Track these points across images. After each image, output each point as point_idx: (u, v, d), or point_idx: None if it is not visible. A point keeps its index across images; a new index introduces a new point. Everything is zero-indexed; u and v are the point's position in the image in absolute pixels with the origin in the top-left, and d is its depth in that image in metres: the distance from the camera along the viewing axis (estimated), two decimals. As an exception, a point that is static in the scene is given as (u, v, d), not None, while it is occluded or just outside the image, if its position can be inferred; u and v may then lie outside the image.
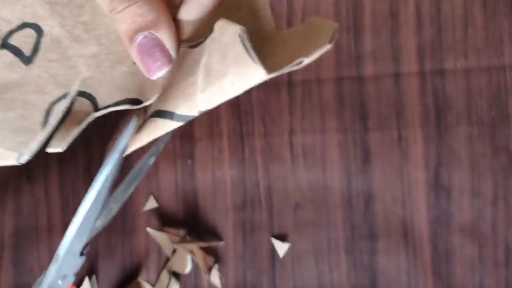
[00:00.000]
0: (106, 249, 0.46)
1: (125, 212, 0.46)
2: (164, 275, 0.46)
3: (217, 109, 0.46)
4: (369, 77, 0.46)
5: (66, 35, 0.22)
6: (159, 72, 0.22)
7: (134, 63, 0.22)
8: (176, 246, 0.45)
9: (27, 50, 0.22)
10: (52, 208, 0.46)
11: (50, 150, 0.21)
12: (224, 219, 0.46)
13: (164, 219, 0.46)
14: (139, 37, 0.21)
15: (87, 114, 0.22)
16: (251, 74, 0.19)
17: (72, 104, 0.22)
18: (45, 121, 0.21)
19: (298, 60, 0.19)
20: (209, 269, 0.46)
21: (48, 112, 0.21)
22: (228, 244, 0.46)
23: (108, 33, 0.23)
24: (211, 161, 0.46)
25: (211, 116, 0.46)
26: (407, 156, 0.45)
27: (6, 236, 0.46)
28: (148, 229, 0.46)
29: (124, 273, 0.46)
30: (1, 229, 0.46)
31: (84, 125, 0.21)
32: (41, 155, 0.47)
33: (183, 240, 0.45)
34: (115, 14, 0.21)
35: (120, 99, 0.22)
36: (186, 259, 0.46)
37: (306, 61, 0.19)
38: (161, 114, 0.22)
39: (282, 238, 0.46)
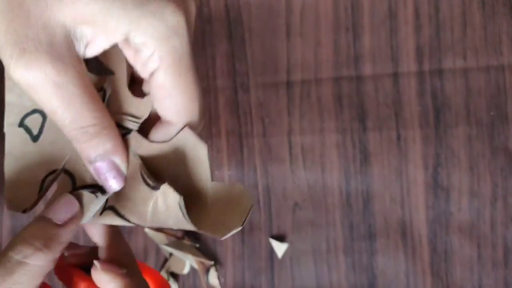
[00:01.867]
0: (104, 249, 0.45)
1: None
2: (163, 275, 0.45)
3: (215, 109, 0.46)
4: (368, 77, 0.46)
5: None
6: (114, 190, 0.27)
7: None
8: (170, 250, 0.45)
9: (35, 130, 0.28)
10: (50, 208, 0.46)
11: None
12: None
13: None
14: (98, 161, 0.27)
15: (67, 189, 0.27)
16: (186, 227, 0.26)
17: (57, 179, 0.28)
18: (40, 188, 0.28)
19: (216, 235, 0.27)
20: (207, 270, 0.46)
21: (43, 181, 0.28)
22: (227, 244, 0.46)
23: None
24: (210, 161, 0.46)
25: (210, 116, 0.46)
26: (406, 156, 0.45)
27: (3, 236, 0.46)
28: (146, 230, 0.46)
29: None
30: (-1, 230, 0.46)
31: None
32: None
33: (178, 244, 0.45)
34: (78, 144, 0.27)
35: (92, 183, 0.28)
36: (185, 260, 0.46)
37: (222, 237, 0.27)
38: (118, 213, 0.28)
39: (280, 238, 0.45)
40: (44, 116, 0.29)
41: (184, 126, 0.28)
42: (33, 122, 0.29)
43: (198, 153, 0.28)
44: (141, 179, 0.28)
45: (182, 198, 0.26)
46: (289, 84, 0.46)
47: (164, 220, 0.27)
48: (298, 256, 0.45)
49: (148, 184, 0.28)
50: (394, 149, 0.45)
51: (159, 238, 0.46)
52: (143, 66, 0.27)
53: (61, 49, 0.26)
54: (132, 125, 0.28)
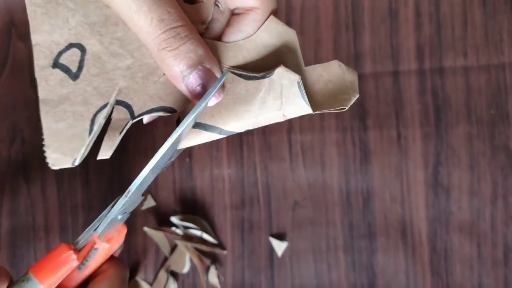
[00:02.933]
0: (103, 248, 0.45)
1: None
2: (162, 274, 0.45)
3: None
4: (368, 75, 0.45)
5: (104, 51, 0.25)
6: (215, 101, 0.24)
7: (164, 74, 0.25)
8: (177, 241, 0.45)
9: (74, 67, 0.25)
10: (49, 207, 0.46)
11: (99, 157, 0.24)
12: (223, 218, 0.46)
13: (162, 218, 0.46)
14: (194, 72, 0.23)
15: (125, 120, 0.25)
16: (300, 110, 0.25)
17: (112, 112, 0.25)
18: (91, 129, 0.24)
19: (327, 111, 0.26)
20: (207, 269, 0.46)
21: (92, 121, 0.24)
22: (226, 243, 0.46)
23: (140, 47, 0.25)
24: (209, 159, 0.46)
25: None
26: (406, 155, 0.45)
27: (3, 235, 0.46)
28: (146, 229, 0.46)
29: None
30: (-2, 228, 0.46)
31: (124, 132, 0.24)
32: (37, 154, 0.46)
33: (185, 237, 0.45)
34: (168, 51, 0.23)
35: (153, 106, 0.25)
36: (185, 259, 0.45)
37: (344, 108, 0.26)
38: (207, 127, 0.25)
39: (280, 236, 0.45)
40: (83, 49, 0.25)
41: (270, 15, 0.26)
42: (70, 58, 0.25)
43: (289, 40, 0.26)
44: (238, 80, 0.25)
45: (300, 77, 0.25)
46: (289, 82, 0.46)
47: (278, 107, 0.25)
48: (298, 255, 0.45)
49: (253, 77, 0.25)
50: (395, 148, 0.45)
51: (159, 237, 0.46)
52: None
53: None
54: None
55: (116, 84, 0.25)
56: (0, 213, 0.46)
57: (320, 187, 0.45)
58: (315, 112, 0.26)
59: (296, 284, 0.45)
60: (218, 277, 0.45)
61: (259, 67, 0.26)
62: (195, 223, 0.45)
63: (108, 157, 0.24)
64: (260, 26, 0.26)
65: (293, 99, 0.25)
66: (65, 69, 0.25)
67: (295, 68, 0.26)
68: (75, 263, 0.26)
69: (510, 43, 0.45)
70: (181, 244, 0.45)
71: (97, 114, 0.25)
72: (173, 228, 0.45)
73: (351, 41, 0.46)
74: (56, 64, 0.25)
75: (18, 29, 0.46)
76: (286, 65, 0.26)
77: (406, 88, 0.45)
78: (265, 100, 0.25)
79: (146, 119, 0.26)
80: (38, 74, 0.25)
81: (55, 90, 0.25)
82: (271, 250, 0.45)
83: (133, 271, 0.46)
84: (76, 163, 0.24)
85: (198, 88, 0.24)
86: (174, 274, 0.46)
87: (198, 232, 0.45)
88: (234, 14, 0.26)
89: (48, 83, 0.25)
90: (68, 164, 0.24)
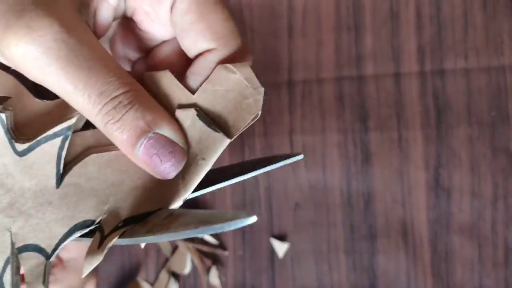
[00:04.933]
0: (105, 249, 0.45)
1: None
2: (163, 275, 0.45)
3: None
4: (369, 77, 0.46)
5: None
6: (176, 170, 0.21)
7: (56, 188, 0.22)
8: (178, 242, 0.45)
9: None
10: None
11: None
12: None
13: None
14: (144, 141, 0.21)
15: (42, 264, 0.21)
16: (217, 144, 0.21)
17: (18, 266, 0.21)
18: None
19: (244, 127, 0.22)
20: (208, 269, 0.46)
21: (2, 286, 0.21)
22: (228, 244, 0.46)
23: (8, 174, 0.22)
24: (210, 161, 0.46)
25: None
26: (407, 157, 0.45)
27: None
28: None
29: (123, 273, 0.46)
30: None
31: (47, 277, 0.21)
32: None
33: (186, 238, 0.45)
34: (112, 124, 0.20)
35: (65, 230, 0.22)
36: (186, 259, 0.46)
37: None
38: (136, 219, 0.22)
39: (281, 238, 0.45)
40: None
41: (232, 54, 0.23)
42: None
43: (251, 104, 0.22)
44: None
45: (198, 109, 0.22)
46: (290, 84, 0.46)
47: (194, 156, 0.22)
48: (299, 256, 0.45)
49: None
50: (395, 149, 0.45)
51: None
52: (158, 2, 0.23)
53: (66, 9, 0.21)
54: None
55: (6, 231, 0.21)
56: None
57: (321, 189, 0.45)
58: (234, 138, 0.22)
59: (297, 285, 0.45)
60: (219, 278, 0.45)
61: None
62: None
63: None
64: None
65: (202, 135, 0.22)
66: None
67: (187, 103, 0.22)
68: None
69: (510, 45, 0.45)
70: (182, 245, 0.45)
71: (2, 277, 0.21)
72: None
73: (353, 43, 0.46)
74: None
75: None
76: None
77: (407, 90, 0.45)
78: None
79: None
80: None
81: None
82: (272, 251, 0.45)
83: (134, 271, 0.46)
84: None
85: (153, 159, 0.21)
86: (175, 275, 0.46)
87: None
88: (194, 58, 0.24)
89: None
90: None
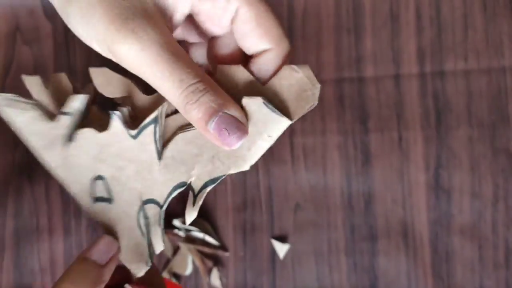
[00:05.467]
0: (106, 250, 0.46)
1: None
2: (165, 276, 0.46)
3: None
4: (370, 78, 0.46)
5: (114, 170, 0.30)
6: (239, 142, 0.27)
7: (160, 161, 0.29)
8: (180, 243, 0.45)
9: (107, 195, 0.30)
10: (53, 209, 0.46)
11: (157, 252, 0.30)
12: (225, 220, 0.46)
13: (164, 221, 0.46)
14: (215, 118, 0.26)
15: (157, 214, 0.29)
16: (280, 125, 0.27)
17: (146, 214, 0.30)
18: (142, 232, 0.30)
19: (302, 113, 0.28)
20: (209, 271, 0.46)
21: (139, 226, 0.30)
22: (229, 245, 0.46)
23: (132, 152, 0.30)
24: (211, 162, 0.46)
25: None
26: (407, 158, 0.45)
27: (7, 237, 0.46)
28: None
29: (124, 272, 0.46)
30: (2, 230, 0.46)
31: (162, 222, 0.30)
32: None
33: (187, 239, 0.46)
34: (190, 105, 0.26)
35: (169, 190, 0.29)
36: (187, 261, 0.46)
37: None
38: (215, 180, 0.29)
39: (282, 239, 0.46)
40: (102, 177, 0.30)
41: (286, 55, 0.30)
42: (101, 189, 0.30)
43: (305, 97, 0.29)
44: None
45: (263, 97, 0.28)
46: (291, 86, 0.46)
47: (258, 133, 0.28)
48: (300, 257, 0.45)
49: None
50: (396, 151, 0.45)
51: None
52: (224, 11, 0.29)
53: (155, 16, 0.27)
54: None
55: (135, 190, 0.30)
56: (5, 215, 0.46)
57: (321, 190, 0.46)
58: (294, 120, 0.28)
59: (298, 286, 0.45)
60: (220, 279, 0.46)
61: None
62: (198, 226, 0.46)
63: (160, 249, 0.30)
64: (276, 65, 0.30)
65: (268, 118, 0.28)
66: (103, 199, 0.30)
67: (255, 92, 0.29)
68: None
69: (510, 46, 0.45)
70: (183, 246, 0.45)
71: (138, 220, 0.30)
72: (176, 231, 0.46)
73: (353, 45, 0.46)
74: (96, 199, 0.30)
75: (24, 34, 0.46)
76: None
77: (407, 91, 0.46)
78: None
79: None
80: (90, 212, 0.30)
81: (105, 217, 0.30)
82: (273, 252, 0.46)
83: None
84: (149, 264, 0.30)
85: (223, 133, 0.27)
86: (176, 276, 0.46)
87: (200, 234, 0.45)
88: (252, 56, 0.31)
89: (99, 215, 0.30)
90: (145, 268, 0.30)
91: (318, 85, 0.28)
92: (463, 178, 0.45)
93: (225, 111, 0.27)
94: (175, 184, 0.29)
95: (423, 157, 0.45)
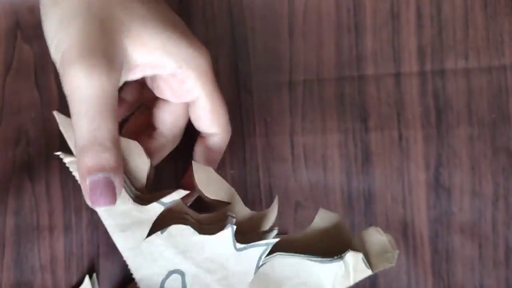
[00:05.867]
0: (107, 248, 0.46)
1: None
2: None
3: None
4: (370, 77, 0.46)
5: (200, 270, 0.31)
6: (104, 206, 0.29)
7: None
8: None
9: None
10: (53, 206, 0.46)
11: None
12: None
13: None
14: (101, 176, 0.28)
15: None
16: (364, 274, 0.33)
17: None
18: None
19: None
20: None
21: None
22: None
23: (227, 259, 0.32)
24: (212, 160, 0.46)
25: (212, 115, 0.46)
26: (407, 156, 0.45)
27: (7, 234, 0.46)
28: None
29: (125, 272, 0.46)
30: (2, 228, 0.46)
31: None
32: (42, 155, 0.47)
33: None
34: (89, 152, 0.28)
35: None
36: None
37: None
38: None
39: (282, 237, 0.46)
40: (182, 273, 0.32)
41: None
42: (173, 283, 0.31)
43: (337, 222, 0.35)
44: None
45: (361, 253, 0.32)
46: (291, 84, 0.46)
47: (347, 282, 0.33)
48: (300, 255, 0.45)
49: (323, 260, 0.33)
50: (396, 149, 0.45)
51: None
52: (186, 93, 0.34)
53: (118, 65, 0.29)
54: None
55: None
56: (5, 212, 0.46)
57: (321, 188, 0.46)
58: (373, 273, 0.32)
59: (298, 284, 0.45)
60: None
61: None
62: None
63: None
64: (221, 148, 0.38)
65: (357, 269, 0.32)
66: None
67: (346, 243, 0.33)
68: None
69: (511, 45, 0.45)
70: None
71: None
72: None
73: (353, 43, 0.46)
74: None
75: (24, 31, 0.46)
76: (337, 245, 0.33)
77: (407, 90, 0.46)
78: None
79: None
80: None
81: None
82: (273, 250, 0.46)
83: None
84: None
85: (96, 190, 0.29)
86: (176, 274, 0.46)
87: None
88: (200, 136, 0.38)
89: None
90: None
91: (397, 251, 0.33)
92: (463, 176, 0.45)
93: (113, 175, 0.29)
94: None
95: (423, 156, 0.45)
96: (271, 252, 0.33)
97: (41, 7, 0.31)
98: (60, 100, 0.46)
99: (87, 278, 0.45)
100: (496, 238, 0.44)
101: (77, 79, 0.28)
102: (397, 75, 0.46)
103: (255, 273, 0.32)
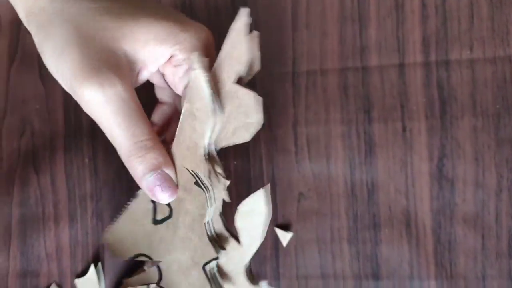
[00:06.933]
0: (112, 238, 0.46)
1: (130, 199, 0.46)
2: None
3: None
4: (374, 68, 0.46)
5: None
6: (169, 199, 0.32)
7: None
8: None
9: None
10: (58, 197, 0.47)
11: None
12: (228, 209, 0.46)
13: (169, 209, 0.46)
14: (154, 174, 0.31)
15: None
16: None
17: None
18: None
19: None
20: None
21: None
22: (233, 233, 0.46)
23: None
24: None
25: (216, 106, 0.46)
26: (411, 147, 0.45)
27: (13, 225, 0.47)
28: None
29: (130, 261, 0.46)
30: (9, 218, 0.47)
31: None
32: (47, 146, 0.47)
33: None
34: (135, 158, 0.30)
35: None
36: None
37: None
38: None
39: (285, 227, 0.46)
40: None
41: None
42: None
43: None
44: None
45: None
46: (294, 75, 0.46)
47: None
48: (303, 245, 0.46)
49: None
50: (399, 140, 0.45)
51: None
52: (181, 78, 0.34)
53: (125, 71, 0.30)
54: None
55: (191, 240, 0.38)
56: (11, 203, 0.47)
57: (325, 179, 0.46)
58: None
59: (301, 274, 0.46)
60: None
61: None
62: None
63: None
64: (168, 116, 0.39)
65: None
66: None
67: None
68: None
69: (516, 35, 0.45)
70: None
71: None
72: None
73: (357, 34, 0.46)
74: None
75: (28, 22, 0.46)
76: None
77: (411, 81, 0.45)
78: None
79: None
80: None
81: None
82: (276, 240, 0.46)
83: (140, 261, 0.46)
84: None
85: (157, 188, 0.32)
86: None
87: None
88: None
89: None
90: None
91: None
92: (467, 167, 0.45)
93: (163, 169, 0.31)
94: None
95: (427, 147, 0.45)
96: None
97: (35, 41, 0.31)
98: (64, 92, 0.46)
99: (92, 267, 0.46)
100: (499, 229, 0.45)
101: (93, 99, 0.29)
102: (401, 66, 0.46)
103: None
